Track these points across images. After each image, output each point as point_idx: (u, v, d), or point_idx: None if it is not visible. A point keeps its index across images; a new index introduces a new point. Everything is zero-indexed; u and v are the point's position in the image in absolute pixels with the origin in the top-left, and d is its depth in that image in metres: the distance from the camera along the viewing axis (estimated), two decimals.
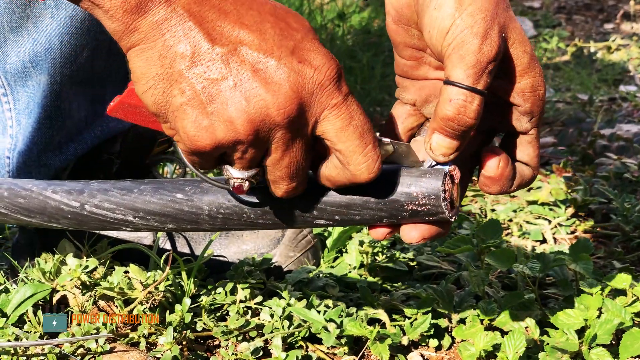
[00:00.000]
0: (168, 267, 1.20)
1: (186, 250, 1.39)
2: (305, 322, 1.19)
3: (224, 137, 0.77)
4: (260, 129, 0.77)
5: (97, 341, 1.12)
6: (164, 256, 1.23)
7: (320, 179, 0.85)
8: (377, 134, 0.84)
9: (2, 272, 1.38)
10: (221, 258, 1.38)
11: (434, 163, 0.86)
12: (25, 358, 1.12)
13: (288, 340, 1.18)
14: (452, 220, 0.85)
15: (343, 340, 1.17)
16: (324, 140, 0.81)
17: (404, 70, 0.92)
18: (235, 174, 0.82)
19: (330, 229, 1.50)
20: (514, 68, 0.84)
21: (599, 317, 1.15)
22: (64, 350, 1.12)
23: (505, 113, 0.87)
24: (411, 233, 0.86)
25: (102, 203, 0.98)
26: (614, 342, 1.15)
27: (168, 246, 1.39)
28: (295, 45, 0.77)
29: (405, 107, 0.93)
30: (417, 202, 0.84)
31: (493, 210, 1.75)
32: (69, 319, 1.20)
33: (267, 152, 0.80)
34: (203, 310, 1.21)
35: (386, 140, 0.85)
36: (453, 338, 1.21)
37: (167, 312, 1.19)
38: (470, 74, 0.81)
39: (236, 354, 1.14)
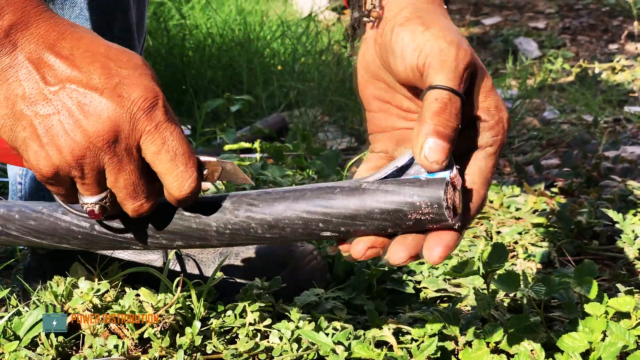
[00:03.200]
0: (179, 290, 1.22)
1: (196, 272, 1.40)
2: (313, 344, 1.21)
3: (59, 164, 0.89)
4: (86, 154, 0.88)
5: None
6: (175, 281, 1.24)
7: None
8: (205, 157, 0.94)
9: (14, 294, 1.39)
10: (230, 280, 1.39)
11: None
12: None
13: None
14: (456, 227, 0.87)
15: None
16: (148, 163, 0.91)
17: (374, 124, 1.01)
18: (85, 199, 0.93)
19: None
20: (479, 90, 0.91)
21: (603, 340, 1.16)
22: None
23: (469, 129, 0.92)
24: (398, 254, 0.89)
25: (112, 223, 1.00)
26: None
27: (178, 268, 1.40)
28: (119, 82, 0.88)
29: (378, 154, 1.01)
30: (420, 212, 0.86)
31: (498, 232, 1.76)
32: (81, 340, 1.22)
33: (106, 176, 0.91)
34: (213, 333, 1.22)
35: (211, 159, 0.95)
36: None
37: (178, 334, 1.20)
38: (452, 78, 0.88)
39: None
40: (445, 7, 0.99)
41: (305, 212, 0.90)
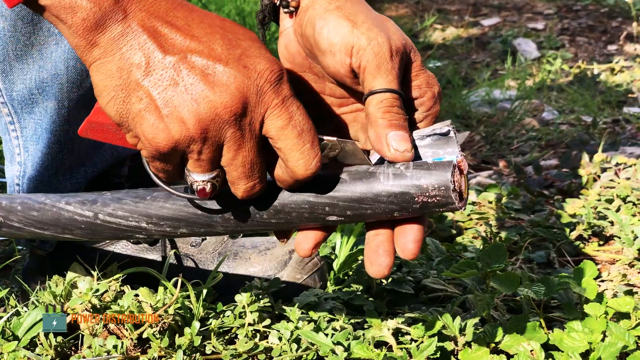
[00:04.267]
0: (177, 291, 1.22)
1: (195, 272, 1.40)
2: (313, 345, 1.21)
3: (179, 137, 0.83)
4: (210, 127, 0.83)
5: None
6: (172, 280, 1.24)
7: (275, 180, 0.90)
8: (325, 136, 0.90)
9: (13, 295, 1.39)
10: (229, 280, 1.39)
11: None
12: None
13: None
14: (462, 210, 0.87)
15: None
16: (269, 139, 0.86)
17: (312, 117, 0.99)
18: (197, 177, 0.87)
19: (336, 251, 1.52)
20: (409, 71, 0.93)
21: (603, 340, 1.16)
22: None
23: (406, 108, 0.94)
24: (385, 262, 0.90)
25: (116, 211, 0.99)
26: None
27: (177, 268, 1.40)
28: (242, 53, 0.84)
29: None
30: (427, 194, 0.86)
31: (498, 233, 1.76)
32: (80, 340, 1.22)
33: (222, 153, 0.86)
34: (212, 334, 1.22)
35: (331, 139, 0.90)
36: None
37: (177, 335, 1.20)
38: (390, 80, 0.89)
39: None
40: None
41: (312, 196, 0.90)
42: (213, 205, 0.95)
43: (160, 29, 0.84)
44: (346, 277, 1.48)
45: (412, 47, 0.94)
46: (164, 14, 0.84)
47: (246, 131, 0.85)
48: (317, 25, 0.92)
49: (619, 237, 1.70)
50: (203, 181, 0.87)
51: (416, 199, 0.87)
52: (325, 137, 0.90)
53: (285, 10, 0.97)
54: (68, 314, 1.21)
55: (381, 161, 0.92)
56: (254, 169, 0.87)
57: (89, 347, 1.21)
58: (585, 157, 2.13)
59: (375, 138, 0.89)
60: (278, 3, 0.99)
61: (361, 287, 1.42)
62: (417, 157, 0.91)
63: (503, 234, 1.76)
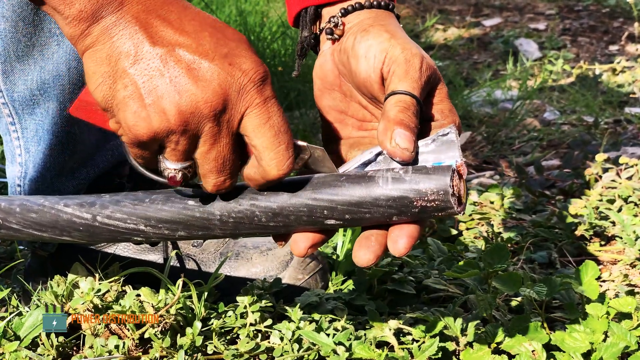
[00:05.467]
0: (179, 291, 1.22)
1: (196, 273, 1.40)
2: (314, 345, 1.21)
3: (158, 127, 0.85)
4: (190, 120, 0.85)
5: None
6: (178, 282, 1.24)
7: (244, 179, 0.92)
8: (300, 141, 0.92)
9: (15, 295, 1.39)
10: (231, 281, 1.39)
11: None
12: None
13: None
14: (460, 215, 0.88)
15: None
16: (245, 137, 0.88)
17: (330, 134, 1.05)
18: (170, 165, 0.90)
19: (338, 251, 1.52)
20: (435, 95, 0.98)
21: (604, 340, 1.16)
22: None
23: (423, 128, 0.97)
24: (365, 256, 0.92)
25: (114, 214, 0.99)
26: None
27: (178, 269, 1.40)
28: (228, 52, 0.87)
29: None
30: (426, 198, 0.86)
31: (499, 233, 1.76)
32: (82, 340, 1.22)
33: (197, 146, 0.88)
34: (214, 334, 1.22)
35: (302, 143, 0.92)
36: None
37: (179, 335, 1.20)
38: (415, 87, 0.94)
39: None
40: (399, 24, 1.04)
41: (311, 199, 0.91)
42: (211, 207, 0.95)
43: (152, 21, 0.86)
44: (348, 278, 1.48)
45: (441, 77, 0.99)
46: (158, 8, 0.86)
47: (224, 127, 0.87)
48: (358, 36, 0.99)
49: (621, 238, 1.70)
50: (175, 169, 0.90)
51: (415, 203, 0.87)
52: (299, 142, 0.92)
53: (329, 37, 1.04)
54: (69, 314, 1.21)
55: (375, 157, 0.93)
56: (226, 165, 0.89)
57: (91, 347, 1.21)
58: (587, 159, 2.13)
59: (382, 130, 0.91)
60: (319, 33, 1.06)
61: (363, 288, 1.42)
62: (417, 162, 0.91)
63: (505, 234, 1.76)
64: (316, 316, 1.29)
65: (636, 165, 2.02)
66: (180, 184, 0.91)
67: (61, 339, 1.20)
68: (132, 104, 0.85)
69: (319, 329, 1.23)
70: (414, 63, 0.95)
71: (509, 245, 1.69)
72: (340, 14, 1.04)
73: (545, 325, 1.24)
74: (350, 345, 1.19)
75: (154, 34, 0.85)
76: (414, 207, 0.87)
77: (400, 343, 1.24)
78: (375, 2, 1.03)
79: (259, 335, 1.24)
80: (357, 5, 1.03)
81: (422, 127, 0.95)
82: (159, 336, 1.19)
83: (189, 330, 1.19)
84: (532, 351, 1.18)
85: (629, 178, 1.97)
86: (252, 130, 0.87)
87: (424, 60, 0.96)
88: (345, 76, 1.02)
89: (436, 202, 0.86)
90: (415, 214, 0.88)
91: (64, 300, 1.25)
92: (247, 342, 1.20)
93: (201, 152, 0.88)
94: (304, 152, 0.92)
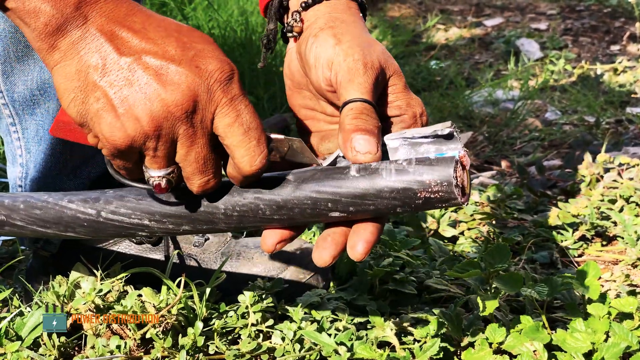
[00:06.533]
0: (180, 291, 1.22)
1: (198, 272, 1.40)
2: (316, 345, 1.21)
3: (134, 134, 0.87)
4: (164, 124, 0.87)
5: None
6: (177, 281, 1.24)
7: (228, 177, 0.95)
8: (273, 134, 0.93)
9: (16, 295, 1.39)
10: (232, 281, 1.39)
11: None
12: None
13: None
14: (463, 206, 0.88)
15: None
16: (218, 136, 0.90)
17: (303, 129, 1.08)
18: (153, 173, 0.91)
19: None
20: (391, 91, 0.99)
21: (606, 340, 1.16)
22: None
23: (385, 125, 0.99)
24: (322, 257, 0.94)
25: (118, 209, 1.00)
26: None
27: (180, 268, 1.40)
28: (194, 54, 0.88)
29: None
30: (429, 190, 0.87)
31: (501, 233, 1.76)
32: (84, 341, 1.22)
33: (176, 149, 0.90)
34: (215, 334, 1.22)
35: (279, 137, 0.93)
36: None
37: (180, 335, 1.20)
38: (363, 92, 0.95)
39: None
40: (362, 14, 1.05)
41: (315, 192, 0.91)
42: (215, 201, 0.95)
43: (117, 32, 0.88)
44: (349, 278, 1.48)
45: (396, 70, 0.99)
46: (122, 19, 0.88)
47: (198, 128, 0.89)
48: (309, 42, 1.00)
49: (622, 238, 1.70)
50: (159, 177, 0.91)
51: (419, 194, 0.87)
52: (272, 135, 0.93)
53: (289, 34, 1.05)
54: (70, 314, 1.21)
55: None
56: (207, 165, 0.91)
57: (92, 347, 1.21)
58: (588, 157, 2.13)
59: (341, 141, 0.93)
60: (284, 28, 1.07)
61: (364, 288, 1.42)
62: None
63: (506, 234, 1.76)
64: (318, 316, 1.29)
65: (637, 165, 2.02)
66: (167, 190, 0.92)
67: (63, 339, 1.20)
68: (105, 115, 0.87)
69: (320, 329, 1.23)
70: (357, 69, 0.96)
71: (510, 245, 1.69)
72: (301, 8, 1.05)
73: (546, 325, 1.24)
74: (352, 345, 1.19)
75: (120, 44, 0.87)
76: (418, 198, 0.88)
77: (402, 343, 1.24)
78: None
79: (261, 335, 1.25)
80: None
81: (383, 125, 0.97)
82: (161, 336, 1.19)
83: (190, 330, 1.19)
84: (534, 351, 1.18)
85: (631, 178, 1.97)
86: (222, 130, 0.89)
87: (367, 62, 0.96)
88: (308, 78, 1.04)
89: (440, 193, 0.87)
90: (419, 205, 0.88)
91: (65, 301, 1.25)
92: (249, 342, 1.20)
93: (181, 155, 0.90)
94: (283, 145, 0.94)
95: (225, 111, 0.89)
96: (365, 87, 0.95)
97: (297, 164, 0.96)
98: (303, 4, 1.05)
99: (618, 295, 1.46)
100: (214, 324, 1.24)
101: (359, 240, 0.92)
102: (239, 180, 0.93)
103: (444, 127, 0.90)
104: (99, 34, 0.87)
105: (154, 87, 0.86)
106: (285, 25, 1.07)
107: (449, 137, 0.90)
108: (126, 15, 0.88)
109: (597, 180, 2.03)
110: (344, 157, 0.95)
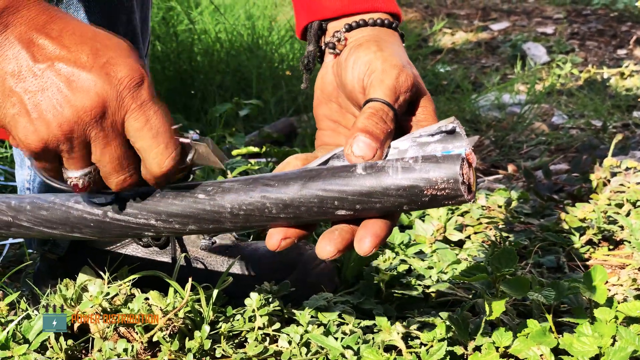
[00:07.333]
0: (187, 294, 1.22)
1: (204, 276, 1.40)
2: (322, 349, 1.21)
3: (46, 138, 0.91)
4: (75, 128, 0.91)
5: None
6: (186, 285, 1.24)
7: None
8: (181, 139, 0.96)
9: (24, 298, 1.40)
10: (239, 284, 1.39)
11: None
12: None
13: None
14: (471, 203, 0.89)
15: None
16: (129, 139, 0.94)
17: (322, 140, 1.10)
18: (70, 174, 0.95)
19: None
20: (420, 111, 1.02)
21: (613, 345, 1.16)
22: None
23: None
24: (326, 248, 0.94)
25: (124, 208, 1.01)
26: None
27: (187, 272, 1.40)
28: (106, 61, 0.92)
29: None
30: (436, 187, 0.87)
31: (507, 237, 1.76)
32: (91, 344, 1.22)
33: (91, 151, 0.94)
34: (222, 337, 1.23)
35: (186, 141, 0.96)
36: None
37: (187, 338, 1.20)
38: (388, 94, 0.98)
39: None
40: (402, 42, 1.09)
41: (321, 190, 0.91)
42: (222, 200, 0.96)
43: (35, 39, 0.91)
44: (356, 281, 1.48)
45: (428, 95, 1.03)
46: (42, 26, 0.92)
47: (109, 132, 0.92)
48: (352, 49, 1.04)
49: (629, 242, 1.69)
50: (76, 177, 0.95)
51: (425, 192, 0.88)
52: (180, 140, 0.96)
53: (331, 51, 1.09)
54: (77, 317, 1.22)
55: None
56: (123, 164, 0.95)
57: (100, 350, 1.21)
58: (597, 163, 2.12)
59: (349, 135, 0.95)
60: (323, 47, 1.11)
61: (371, 291, 1.42)
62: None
63: (512, 238, 1.75)
64: (324, 320, 1.29)
65: None
66: (86, 189, 0.96)
67: (70, 342, 1.20)
68: (21, 120, 0.91)
69: (327, 333, 1.23)
70: (391, 73, 0.99)
71: (516, 249, 1.69)
72: (344, 29, 1.09)
73: (553, 329, 1.24)
74: (359, 349, 1.19)
75: (36, 51, 0.91)
76: (424, 195, 0.88)
77: (409, 347, 1.24)
78: (378, 20, 1.08)
79: (267, 338, 1.25)
80: (361, 22, 1.08)
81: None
82: (168, 339, 1.19)
83: (197, 333, 1.19)
84: (541, 355, 1.18)
85: (638, 182, 1.96)
86: (132, 134, 0.93)
87: (403, 73, 0.99)
88: (340, 87, 1.06)
89: (446, 191, 0.87)
90: (425, 203, 0.89)
91: (72, 304, 1.26)
92: (256, 346, 1.20)
93: (96, 157, 0.94)
94: (189, 150, 0.97)
95: (135, 116, 0.92)
96: (393, 90, 0.98)
97: (201, 167, 0.99)
98: (347, 26, 1.09)
99: (625, 300, 1.46)
100: (220, 327, 1.24)
101: (367, 234, 0.92)
102: (152, 182, 0.97)
103: (447, 123, 0.92)
104: (16, 42, 0.90)
105: (64, 93, 0.90)
106: (326, 44, 1.10)
107: (452, 131, 0.91)
108: (46, 23, 0.92)
109: (604, 185, 2.03)
110: (337, 157, 0.96)
